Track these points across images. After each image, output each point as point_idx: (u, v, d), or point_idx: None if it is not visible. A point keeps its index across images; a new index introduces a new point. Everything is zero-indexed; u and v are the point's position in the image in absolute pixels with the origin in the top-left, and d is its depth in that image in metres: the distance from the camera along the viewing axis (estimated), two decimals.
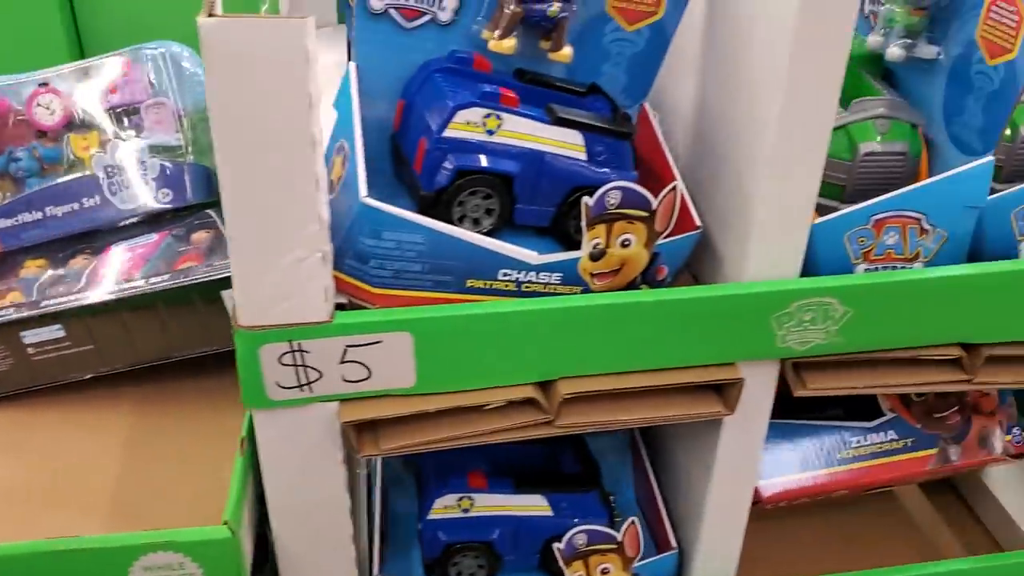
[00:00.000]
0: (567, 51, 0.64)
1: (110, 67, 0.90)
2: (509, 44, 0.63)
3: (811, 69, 0.56)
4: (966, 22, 0.65)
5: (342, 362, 0.60)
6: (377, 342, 0.59)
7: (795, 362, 0.67)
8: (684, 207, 0.65)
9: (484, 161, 0.60)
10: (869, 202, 0.62)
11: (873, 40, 0.70)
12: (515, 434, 0.64)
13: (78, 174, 0.90)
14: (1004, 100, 0.61)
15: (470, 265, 0.60)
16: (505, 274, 0.61)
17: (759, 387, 0.68)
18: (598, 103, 0.65)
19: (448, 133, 0.59)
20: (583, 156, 0.63)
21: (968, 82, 0.65)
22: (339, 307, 0.61)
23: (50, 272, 0.88)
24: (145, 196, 0.85)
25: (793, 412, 0.82)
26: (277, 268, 0.57)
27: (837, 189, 0.68)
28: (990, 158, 0.62)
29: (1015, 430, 0.83)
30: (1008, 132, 0.69)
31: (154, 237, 0.85)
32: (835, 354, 0.66)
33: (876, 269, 0.65)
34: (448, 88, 0.60)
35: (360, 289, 0.60)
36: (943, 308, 0.65)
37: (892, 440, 0.82)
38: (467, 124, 0.59)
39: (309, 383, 0.61)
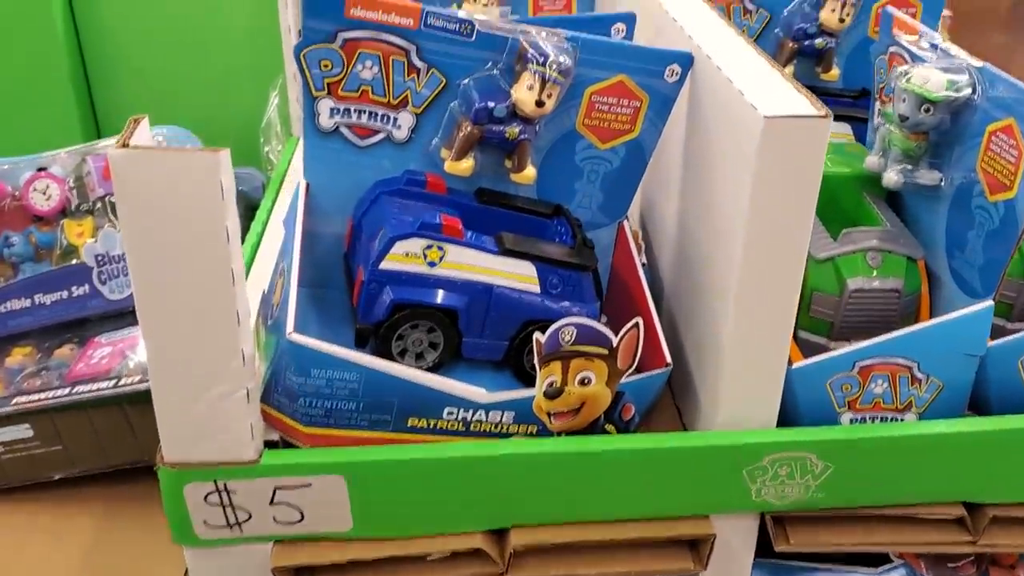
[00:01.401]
0: (530, 172, 0.60)
1: (105, 152, 0.89)
2: (466, 166, 0.59)
3: (775, 206, 0.51)
4: (968, 150, 0.59)
5: (272, 503, 0.56)
6: (307, 485, 0.55)
7: (776, 515, 0.61)
8: (655, 339, 0.60)
9: (423, 295, 0.56)
10: (853, 347, 0.56)
11: (871, 161, 0.65)
12: None
13: (70, 262, 0.89)
14: (1005, 241, 0.55)
15: (410, 403, 0.55)
16: (450, 412, 0.56)
17: (737, 540, 0.62)
18: (561, 227, 0.61)
19: (385, 265, 0.55)
20: (536, 288, 0.58)
21: (970, 215, 0.58)
22: (271, 444, 0.57)
23: (34, 363, 0.87)
24: None
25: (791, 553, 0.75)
26: (200, 404, 0.53)
27: (825, 325, 0.62)
28: (990, 303, 0.56)
29: None
30: (1020, 267, 0.62)
31: (137, 331, 0.83)
32: (818, 509, 0.60)
33: (863, 419, 0.58)
34: (391, 214, 0.56)
35: (289, 427, 0.56)
36: (939, 465, 0.58)
37: None
38: (406, 256, 0.55)
39: (239, 523, 0.57)
